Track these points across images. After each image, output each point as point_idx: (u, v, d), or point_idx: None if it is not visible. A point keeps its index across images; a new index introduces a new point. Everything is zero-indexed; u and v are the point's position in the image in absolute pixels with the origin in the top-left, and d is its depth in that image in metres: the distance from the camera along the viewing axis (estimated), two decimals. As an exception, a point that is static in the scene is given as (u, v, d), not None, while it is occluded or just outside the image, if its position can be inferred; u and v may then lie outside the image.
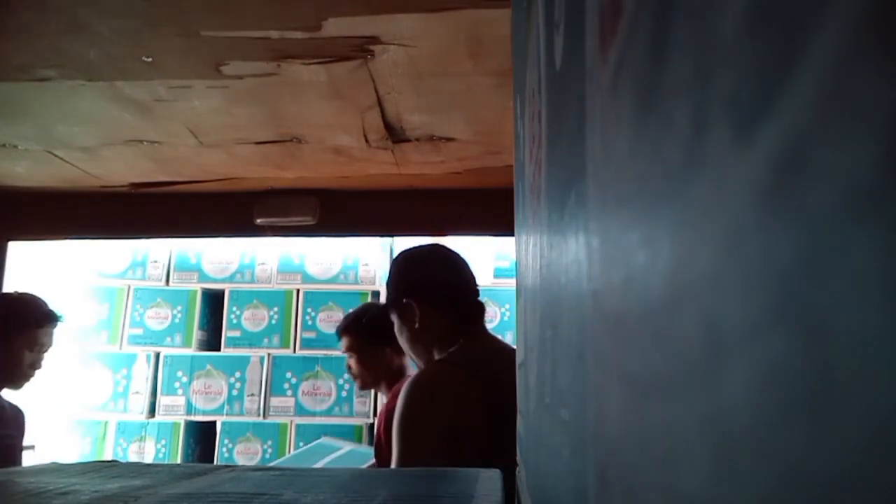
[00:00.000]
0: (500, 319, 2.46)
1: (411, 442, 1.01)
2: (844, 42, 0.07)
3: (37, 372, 1.63)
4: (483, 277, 2.42)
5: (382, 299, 2.45)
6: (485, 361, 1.10)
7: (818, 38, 0.07)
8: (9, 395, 1.65)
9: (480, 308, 1.24)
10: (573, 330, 0.25)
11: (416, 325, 1.18)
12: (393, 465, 1.02)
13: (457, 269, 1.25)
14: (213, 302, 2.56)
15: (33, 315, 1.60)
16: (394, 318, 1.24)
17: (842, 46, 0.07)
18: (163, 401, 2.44)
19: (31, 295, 1.66)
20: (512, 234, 0.92)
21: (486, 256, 2.53)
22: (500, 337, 1.38)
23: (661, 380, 0.13)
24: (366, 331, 1.66)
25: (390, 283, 1.26)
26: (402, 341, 1.24)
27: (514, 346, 1.11)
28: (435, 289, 1.20)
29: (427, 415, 1.03)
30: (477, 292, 1.25)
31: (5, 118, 1.28)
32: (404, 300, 1.20)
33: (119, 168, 1.57)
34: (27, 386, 1.64)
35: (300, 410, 2.39)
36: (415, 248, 1.31)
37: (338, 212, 1.76)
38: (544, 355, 0.38)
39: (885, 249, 0.06)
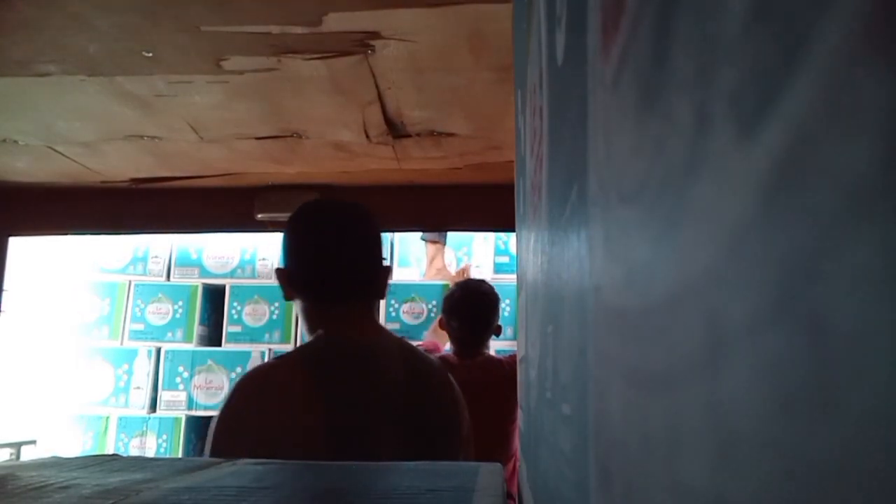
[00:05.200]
0: (500, 314, 2.46)
1: (215, 448, 0.86)
2: (847, 40, 0.07)
3: None
4: (484, 273, 2.41)
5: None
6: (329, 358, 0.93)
7: (821, 36, 0.07)
8: None
9: (351, 287, 0.98)
10: (575, 325, 0.25)
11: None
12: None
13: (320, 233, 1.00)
14: (214, 297, 2.56)
15: None
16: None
17: (844, 44, 0.07)
18: (164, 396, 2.44)
19: None
20: (512, 230, 0.91)
21: (486, 252, 2.53)
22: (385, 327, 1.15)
23: (662, 375, 0.13)
24: None
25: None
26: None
27: (392, 340, 0.96)
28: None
29: (239, 421, 0.88)
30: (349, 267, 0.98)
31: (5, 113, 1.28)
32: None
33: (119, 163, 1.57)
34: None
35: (301, 405, 2.39)
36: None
37: (338, 207, 1.75)
38: (545, 350, 0.38)
39: (886, 246, 0.06)
